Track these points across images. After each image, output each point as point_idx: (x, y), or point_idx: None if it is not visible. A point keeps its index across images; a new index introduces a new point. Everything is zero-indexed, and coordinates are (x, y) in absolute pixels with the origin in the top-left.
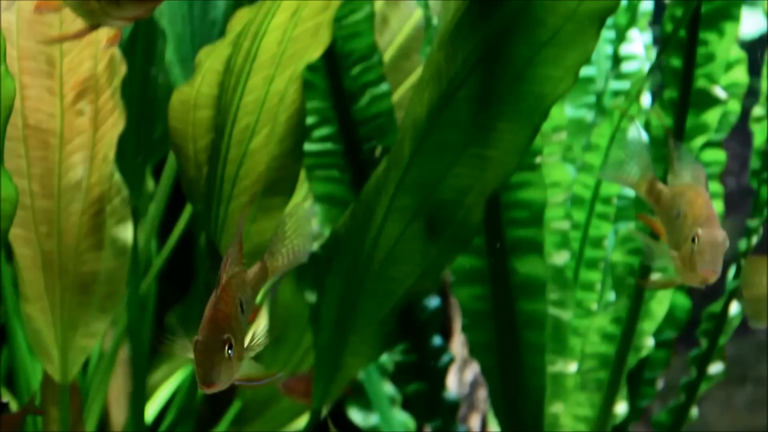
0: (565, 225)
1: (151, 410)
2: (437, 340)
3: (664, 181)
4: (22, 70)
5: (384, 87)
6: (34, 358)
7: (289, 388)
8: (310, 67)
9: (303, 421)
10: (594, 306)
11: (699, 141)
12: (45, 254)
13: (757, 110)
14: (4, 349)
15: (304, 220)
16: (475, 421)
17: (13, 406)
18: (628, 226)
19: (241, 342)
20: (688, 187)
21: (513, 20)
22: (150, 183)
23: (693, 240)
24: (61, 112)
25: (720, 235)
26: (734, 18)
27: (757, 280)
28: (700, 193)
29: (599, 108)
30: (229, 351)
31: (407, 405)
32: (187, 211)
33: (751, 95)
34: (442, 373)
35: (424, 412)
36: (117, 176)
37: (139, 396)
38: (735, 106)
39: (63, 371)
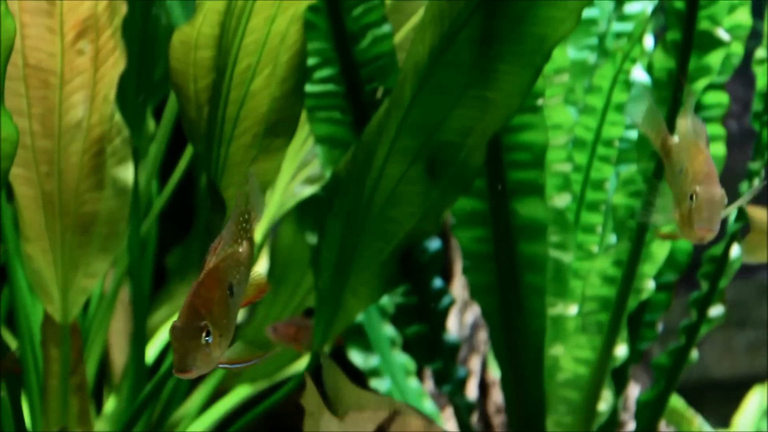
0: (566, 167)
1: (151, 351)
2: (438, 282)
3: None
4: (22, 8)
5: (386, 28)
6: (34, 298)
7: (278, 333)
8: (311, 8)
9: (303, 362)
10: (595, 248)
11: (702, 83)
12: (45, 194)
13: (760, 52)
14: (4, 289)
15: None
16: (475, 363)
17: (14, 347)
18: (629, 169)
19: (225, 327)
20: (691, 143)
21: None
22: (151, 124)
23: (691, 197)
24: (61, 51)
25: (718, 193)
26: None
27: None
28: (701, 150)
29: (602, 50)
30: (207, 338)
31: (407, 347)
32: (188, 152)
33: (754, 37)
34: (443, 315)
35: (424, 354)
36: (118, 116)
37: (139, 337)
38: (738, 49)
39: (63, 311)
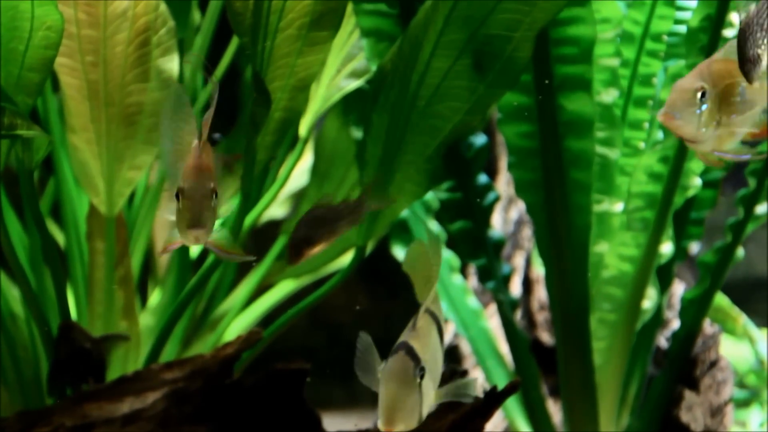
0: (614, 62)
1: (195, 246)
2: (483, 178)
3: None
4: None
5: None
6: (80, 190)
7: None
8: None
9: (348, 257)
10: (641, 145)
11: None
12: (91, 84)
13: None
14: (50, 180)
15: None
16: (519, 260)
17: (60, 239)
18: (678, 64)
19: (219, 195)
20: None
21: None
22: (196, 15)
23: None
24: None
25: None
26: None
27: None
28: None
29: None
30: (215, 200)
31: (452, 243)
32: (234, 43)
33: None
34: (487, 211)
35: (468, 250)
36: (163, 6)
37: None
38: None
39: (109, 203)
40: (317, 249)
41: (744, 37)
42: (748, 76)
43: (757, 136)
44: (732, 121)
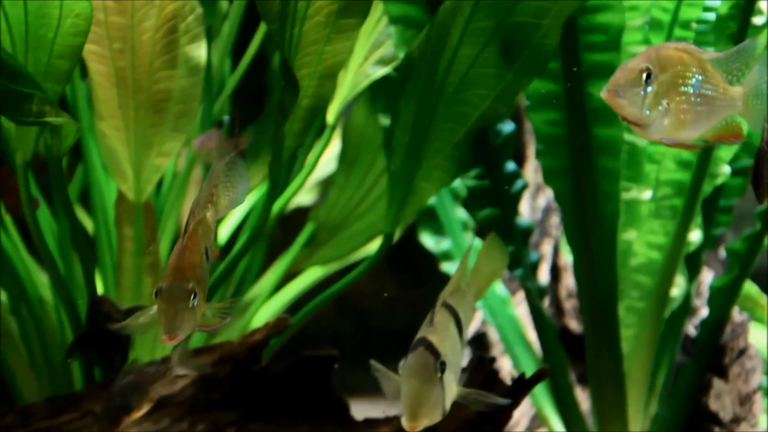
0: (642, 50)
1: (224, 232)
2: (511, 166)
3: None
4: None
5: None
6: (108, 176)
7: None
8: None
9: (375, 244)
10: None
11: None
12: (119, 71)
13: None
14: (79, 167)
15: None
16: (547, 248)
17: (88, 225)
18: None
19: (204, 290)
20: None
21: None
22: (224, 2)
23: None
24: None
25: None
26: None
27: None
28: None
29: None
30: (194, 300)
31: (480, 230)
32: (261, 30)
33: None
34: (515, 198)
35: None
36: None
37: None
38: None
39: (137, 190)
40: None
41: (762, 158)
42: (759, 198)
43: (722, 138)
44: (682, 111)
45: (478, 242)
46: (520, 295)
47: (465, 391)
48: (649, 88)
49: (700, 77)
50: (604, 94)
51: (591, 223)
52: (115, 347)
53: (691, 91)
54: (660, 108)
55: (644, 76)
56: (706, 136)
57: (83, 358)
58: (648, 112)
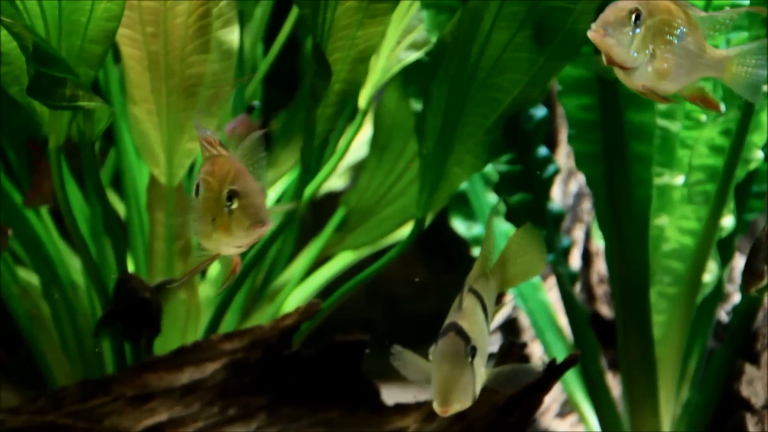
0: None
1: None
2: (543, 151)
3: None
4: None
5: None
6: (140, 161)
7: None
8: None
9: (407, 229)
10: (703, 117)
11: None
12: (151, 55)
13: None
14: (111, 151)
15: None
16: (578, 233)
17: (120, 210)
18: (740, 36)
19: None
20: None
21: None
22: None
23: None
24: None
25: None
26: None
27: None
28: None
29: None
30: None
31: (511, 215)
32: (294, 14)
33: None
34: (547, 183)
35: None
36: None
37: None
38: None
39: (169, 174)
40: None
41: (758, 248)
42: (746, 285)
43: (697, 101)
44: (666, 59)
45: (507, 227)
46: (552, 281)
47: (495, 371)
48: (638, 30)
49: (685, 29)
50: (590, 33)
51: (623, 208)
52: (143, 324)
53: (676, 41)
54: (646, 52)
55: (633, 16)
56: (683, 93)
57: (111, 336)
58: (635, 55)
